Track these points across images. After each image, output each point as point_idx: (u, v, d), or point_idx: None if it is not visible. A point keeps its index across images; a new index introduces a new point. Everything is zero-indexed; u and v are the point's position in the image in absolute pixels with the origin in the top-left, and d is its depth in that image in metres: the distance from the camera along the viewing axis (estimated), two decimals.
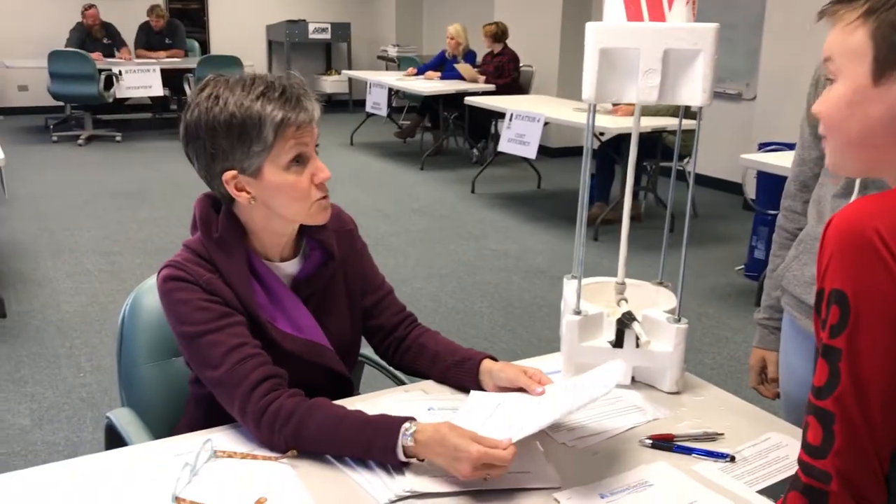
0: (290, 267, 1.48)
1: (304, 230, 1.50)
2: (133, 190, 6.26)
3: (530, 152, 5.68)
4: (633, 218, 5.46)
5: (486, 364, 1.50)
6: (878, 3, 0.90)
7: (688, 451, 1.34)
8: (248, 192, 1.37)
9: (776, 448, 1.37)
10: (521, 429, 1.26)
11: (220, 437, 1.33)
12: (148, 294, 1.68)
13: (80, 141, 7.92)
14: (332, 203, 1.55)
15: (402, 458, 1.23)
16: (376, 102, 7.71)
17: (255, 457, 1.28)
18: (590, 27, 1.44)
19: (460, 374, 1.51)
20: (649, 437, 1.36)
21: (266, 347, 1.39)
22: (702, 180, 6.84)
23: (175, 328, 1.38)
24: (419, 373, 1.60)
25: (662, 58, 1.41)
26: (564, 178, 7.26)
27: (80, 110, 8.26)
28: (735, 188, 6.48)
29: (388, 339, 1.62)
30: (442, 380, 1.55)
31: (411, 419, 1.26)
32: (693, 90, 1.43)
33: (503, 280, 4.58)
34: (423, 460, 1.23)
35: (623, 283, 1.63)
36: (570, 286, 1.64)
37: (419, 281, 4.52)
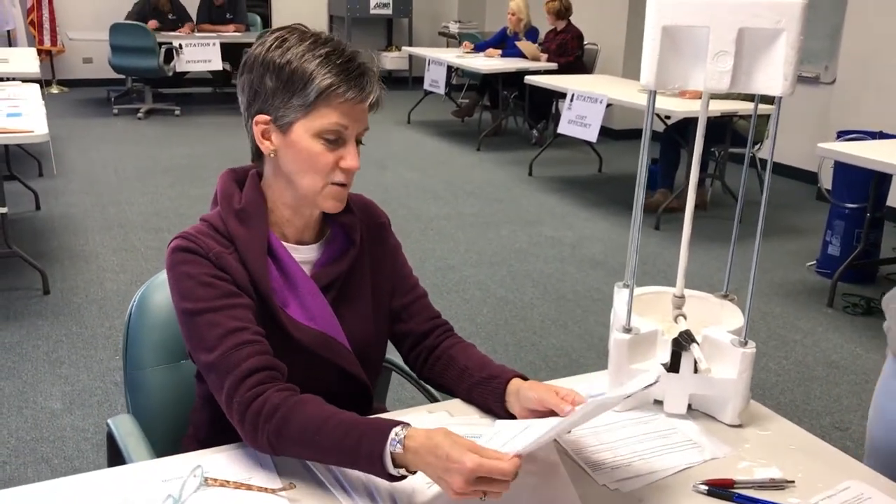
0: (311, 252, 1.36)
1: (328, 217, 1.38)
2: (187, 165, 6.21)
3: (591, 135, 5.43)
4: (699, 206, 5.18)
5: (514, 384, 1.31)
6: None
7: (751, 501, 1.14)
8: (272, 143, 1.29)
9: (856, 501, 1.16)
10: (527, 438, 1.09)
11: (215, 461, 1.19)
12: (158, 290, 1.55)
13: (139, 114, 7.93)
14: (366, 197, 1.47)
15: (390, 468, 1.08)
16: (434, 80, 7.53)
17: (249, 487, 1.13)
18: (652, 1, 1.23)
19: (485, 393, 1.34)
20: (705, 483, 1.17)
21: (274, 337, 1.26)
22: (773, 168, 6.48)
23: (177, 304, 1.26)
24: (446, 388, 1.43)
25: (736, 38, 1.20)
26: (627, 161, 6.98)
27: (141, 83, 8.27)
28: (809, 177, 6.12)
29: (418, 347, 1.46)
30: (468, 398, 1.38)
31: (405, 424, 1.10)
32: (772, 76, 1.21)
33: (557, 270, 4.37)
34: (414, 472, 1.08)
35: (682, 297, 1.43)
36: (620, 297, 1.44)
37: (468, 268, 4.35)
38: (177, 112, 8.15)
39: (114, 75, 8.42)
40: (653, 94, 1.29)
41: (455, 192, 5.80)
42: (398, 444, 1.08)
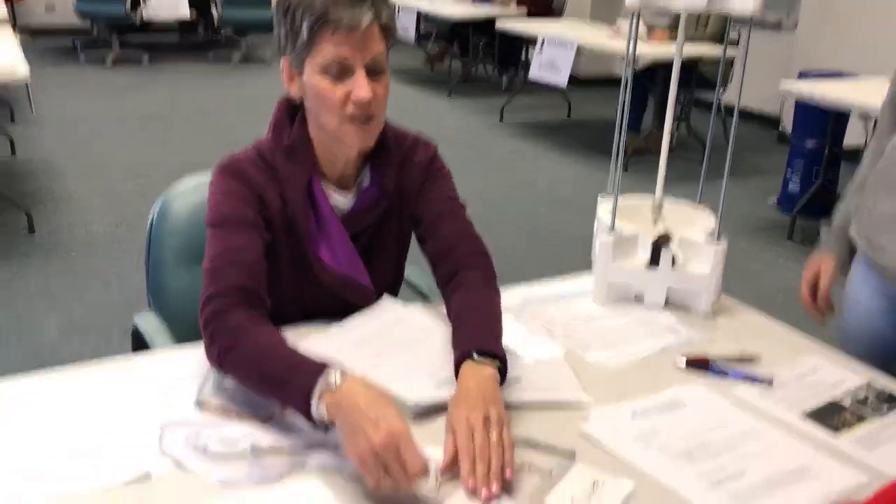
0: (344, 200, 1.39)
1: (368, 161, 1.40)
2: (158, 113, 6.21)
3: (561, 80, 5.55)
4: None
5: (462, 369, 1.17)
6: None
7: (724, 373, 1.30)
8: (296, 87, 1.32)
9: (814, 372, 1.33)
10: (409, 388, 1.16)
11: None
12: (179, 198, 1.65)
13: (107, 63, 7.86)
14: (413, 134, 1.47)
15: (315, 408, 1.04)
16: (404, 27, 7.55)
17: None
18: None
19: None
20: (682, 355, 1.33)
21: (302, 275, 1.35)
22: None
23: (206, 218, 1.33)
24: None
25: None
26: (595, 107, 7.11)
27: (107, 31, 8.17)
28: (770, 122, 6.32)
29: (438, 268, 1.42)
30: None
31: (353, 378, 1.06)
32: None
33: (530, 210, 4.52)
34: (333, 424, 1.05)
35: (661, 203, 1.57)
36: (604, 205, 1.59)
37: None
38: (145, 60, 8.08)
39: (78, 24, 8.30)
40: (636, 16, 1.42)
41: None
42: (331, 386, 1.04)
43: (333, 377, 1.05)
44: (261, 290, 1.26)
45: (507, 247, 3.96)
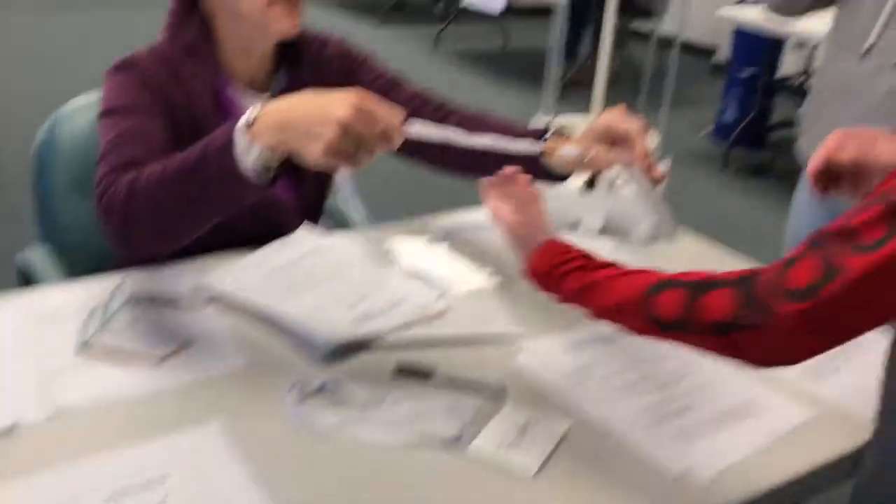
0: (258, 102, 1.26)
1: (281, 67, 1.29)
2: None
3: (496, 7, 5.37)
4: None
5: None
6: None
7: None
8: None
9: None
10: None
11: (140, 279, 1.17)
12: (72, 118, 1.46)
13: None
14: (340, 41, 1.37)
15: (245, 151, 0.95)
16: None
17: (178, 304, 1.13)
18: None
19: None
20: None
21: None
22: (669, 43, 6.59)
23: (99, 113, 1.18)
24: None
25: None
26: (531, 36, 6.94)
27: None
28: (705, 52, 6.26)
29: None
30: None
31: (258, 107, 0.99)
32: None
33: None
34: (277, 171, 0.99)
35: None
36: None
37: None
38: None
39: None
40: None
41: None
42: (251, 119, 0.96)
43: (249, 114, 0.96)
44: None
45: (439, 181, 3.83)
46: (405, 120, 0.99)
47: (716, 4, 5.87)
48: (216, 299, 1.12)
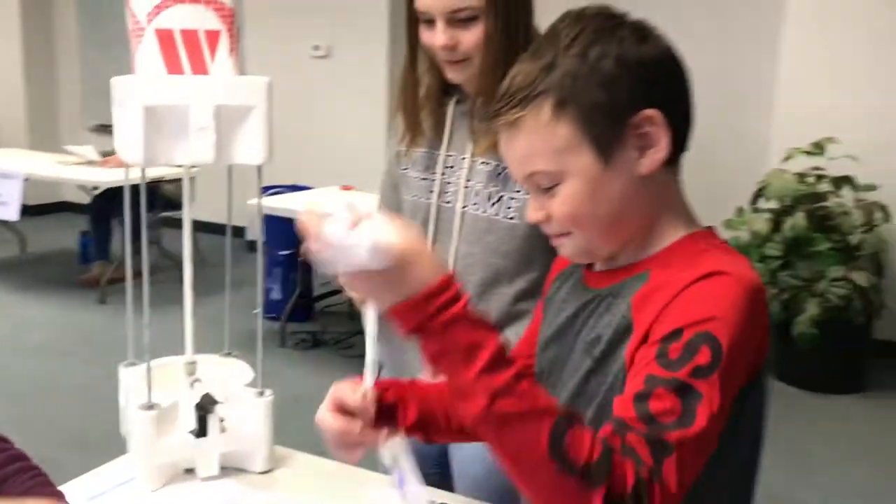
0: None
1: None
2: None
3: (11, 213, 4.98)
4: (139, 274, 5.13)
5: None
6: (564, 93, 0.89)
7: None
8: None
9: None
10: None
11: None
12: None
13: None
14: None
15: None
16: None
17: None
18: (125, 82, 1.27)
19: None
20: None
21: None
22: (203, 226, 6.74)
23: None
24: None
25: (214, 114, 1.29)
26: (52, 237, 6.54)
27: None
28: (237, 232, 6.51)
29: None
30: None
31: None
32: (251, 147, 1.34)
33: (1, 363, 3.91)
34: None
35: (194, 362, 1.47)
36: (130, 375, 1.42)
37: None
38: None
39: None
40: (143, 171, 1.32)
41: None
42: None
43: None
44: None
45: None
46: None
47: (240, 188, 6.21)
48: None
